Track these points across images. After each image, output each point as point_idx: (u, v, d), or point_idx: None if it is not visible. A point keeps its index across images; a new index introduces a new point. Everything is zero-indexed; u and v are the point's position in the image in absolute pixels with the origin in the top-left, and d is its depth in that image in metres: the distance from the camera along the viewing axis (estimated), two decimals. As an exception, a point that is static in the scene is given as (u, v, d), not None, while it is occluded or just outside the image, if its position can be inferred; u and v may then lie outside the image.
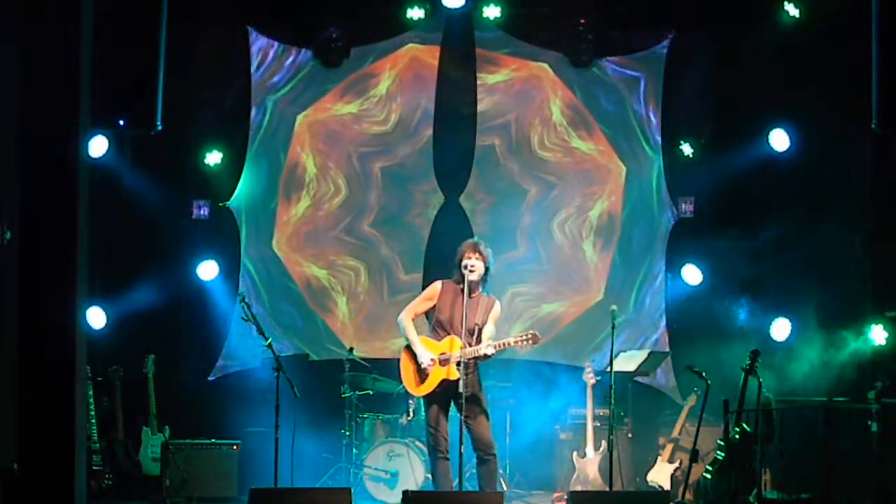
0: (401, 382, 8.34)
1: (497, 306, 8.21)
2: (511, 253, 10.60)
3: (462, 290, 8.02)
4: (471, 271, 8.01)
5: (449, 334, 8.04)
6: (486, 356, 7.93)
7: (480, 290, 8.16)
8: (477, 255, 8.07)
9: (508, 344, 7.93)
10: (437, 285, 8.30)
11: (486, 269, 8.11)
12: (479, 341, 7.95)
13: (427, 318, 8.46)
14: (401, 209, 10.82)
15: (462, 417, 7.90)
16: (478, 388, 8.11)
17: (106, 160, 10.12)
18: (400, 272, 10.82)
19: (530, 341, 7.91)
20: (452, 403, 8.12)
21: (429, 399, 8.12)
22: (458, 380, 7.89)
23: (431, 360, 8.02)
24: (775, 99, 10.20)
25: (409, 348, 8.18)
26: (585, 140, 10.70)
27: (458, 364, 7.90)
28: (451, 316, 8.07)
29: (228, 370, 10.57)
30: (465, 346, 7.91)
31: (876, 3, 7.83)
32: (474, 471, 9.25)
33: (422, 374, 8.08)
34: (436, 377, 8.00)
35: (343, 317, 10.86)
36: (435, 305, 8.23)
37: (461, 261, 8.08)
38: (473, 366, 8.05)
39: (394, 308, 10.68)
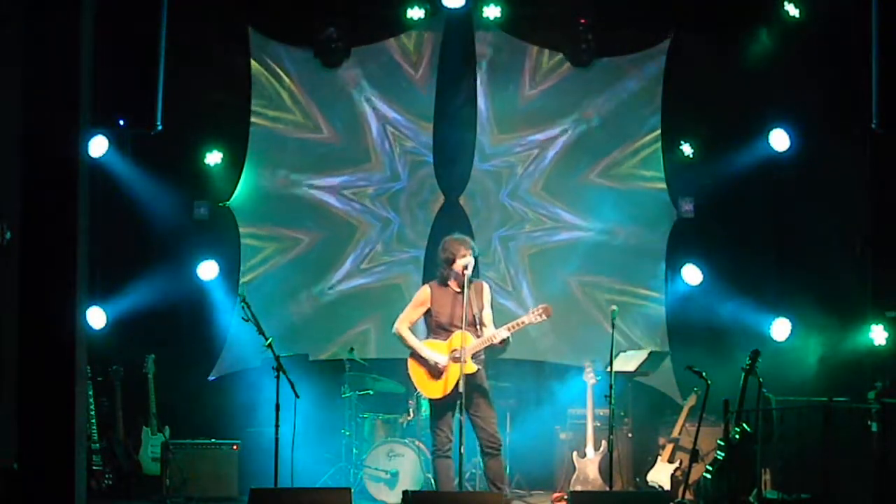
0: (415, 389, 8.35)
1: (486, 287, 8.16)
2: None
3: (458, 288, 7.96)
4: (469, 269, 7.94)
5: (451, 333, 7.99)
6: (503, 340, 7.87)
7: None
8: (470, 251, 8.01)
9: (523, 323, 7.91)
10: (425, 289, 8.19)
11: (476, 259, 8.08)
12: (482, 329, 7.93)
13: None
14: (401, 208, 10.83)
15: (469, 413, 7.83)
16: (486, 382, 8.05)
17: (106, 160, 10.13)
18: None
19: (543, 314, 7.88)
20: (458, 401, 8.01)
21: (440, 399, 8.01)
22: (478, 372, 7.88)
23: (447, 359, 7.94)
24: (775, 99, 10.20)
25: (413, 356, 8.09)
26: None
27: (473, 357, 7.89)
28: (451, 315, 8.00)
29: (228, 370, 10.56)
30: (475, 338, 7.89)
31: (876, 3, 7.83)
32: (474, 471, 9.27)
33: (438, 377, 7.97)
34: (454, 375, 7.88)
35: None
36: (429, 309, 8.13)
37: (453, 260, 7.99)
38: (483, 357, 8.02)
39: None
